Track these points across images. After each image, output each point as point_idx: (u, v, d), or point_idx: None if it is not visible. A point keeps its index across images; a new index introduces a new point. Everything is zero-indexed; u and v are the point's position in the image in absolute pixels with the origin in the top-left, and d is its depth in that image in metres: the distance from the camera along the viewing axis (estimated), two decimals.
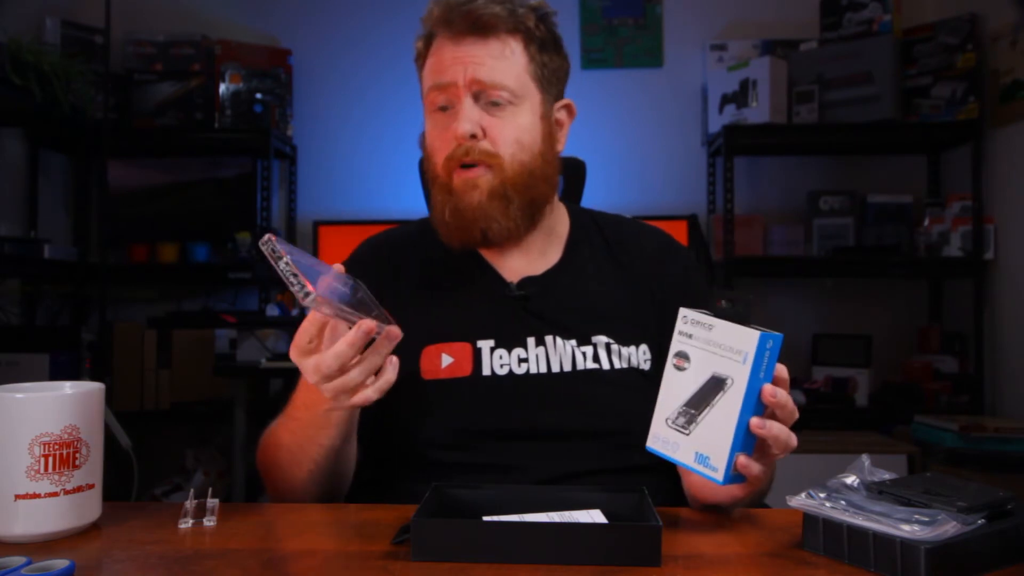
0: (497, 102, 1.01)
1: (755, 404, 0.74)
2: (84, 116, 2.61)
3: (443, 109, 1.03)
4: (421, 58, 1.07)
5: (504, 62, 1.01)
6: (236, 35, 2.99)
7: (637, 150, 3.04)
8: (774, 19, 3.03)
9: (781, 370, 0.76)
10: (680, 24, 3.07)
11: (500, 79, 1.00)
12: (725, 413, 0.74)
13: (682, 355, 0.78)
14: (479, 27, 1.00)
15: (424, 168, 1.09)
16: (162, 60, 2.94)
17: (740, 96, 2.76)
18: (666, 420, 0.78)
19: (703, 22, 3.05)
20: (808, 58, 2.80)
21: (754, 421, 0.74)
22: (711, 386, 0.75)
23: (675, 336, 0.79)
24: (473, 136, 1.00)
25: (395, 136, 3.00)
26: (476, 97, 1.01)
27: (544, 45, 1.05)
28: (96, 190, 2.94)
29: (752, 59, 2.79)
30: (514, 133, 1.01)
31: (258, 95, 2.91)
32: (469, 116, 1.00)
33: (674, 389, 0.78)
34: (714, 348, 0.75)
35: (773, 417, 0.76)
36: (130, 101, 2.87)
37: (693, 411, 0.76)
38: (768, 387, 0.74)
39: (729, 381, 0.74)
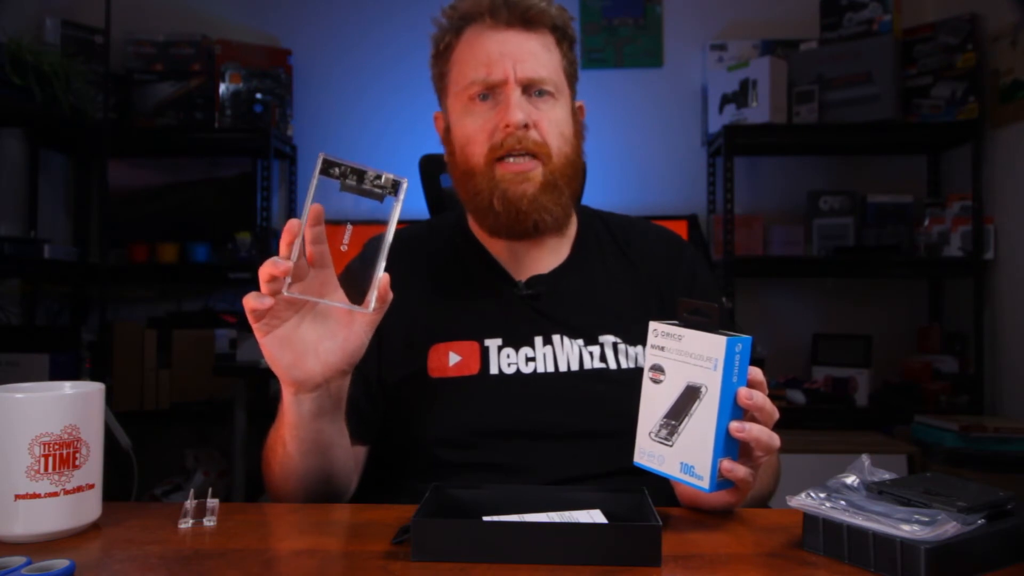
0: (543, 92, 1.02)
1: (732, 408, 0.74)
2: (84, 116, 2.61)
3: (483, 98, 1.02)
4: (449, 49, 1.05)
5: (548, 56, 1.03)
6: (236, 35, 2.99)
7: (637, 150, 3.03)
8: (774, 19, 3.03)
9: (755, 372, 0.76)
10: (680, 24, 3.07)
11: (546, 73, 1.02)
12: (703, 421, 0.74)
13: (657, 368, 0.78)
14: (527, 20, 1.02)
15: (447, 162, 1.08)
16: (162, 60, 2.94)
17: (740, 96, 2.76)
18: (649, 434, 0.78)
19: (703, 22, 3.05)
20: (808, 58, 2.80)
21: (733, 425, 0.74)
22: (687, 396, 0.75)
23: (648, 350, 0.79)
24: (525, 125, 1.00)
25: (395, 136, 3.00)
26: (524, 89, 1.01)
27: (572, 44, 1.08)
28: (96, 190, 2.94)
29: (752, 59, 2.79)
30: (557, 126, 1.03)
31: (258, 95, 2.91)
32: (521, 105, 1.00)
33: (653, 402, 0.78)
34: (686, 358, 0.76)
35: (753, 419, 0.76)
36: (130, 101, 2.87)
37: (673, 422, 0.76)
38: (743, 390, 0.74)
39: (703, 389, 0.74)
